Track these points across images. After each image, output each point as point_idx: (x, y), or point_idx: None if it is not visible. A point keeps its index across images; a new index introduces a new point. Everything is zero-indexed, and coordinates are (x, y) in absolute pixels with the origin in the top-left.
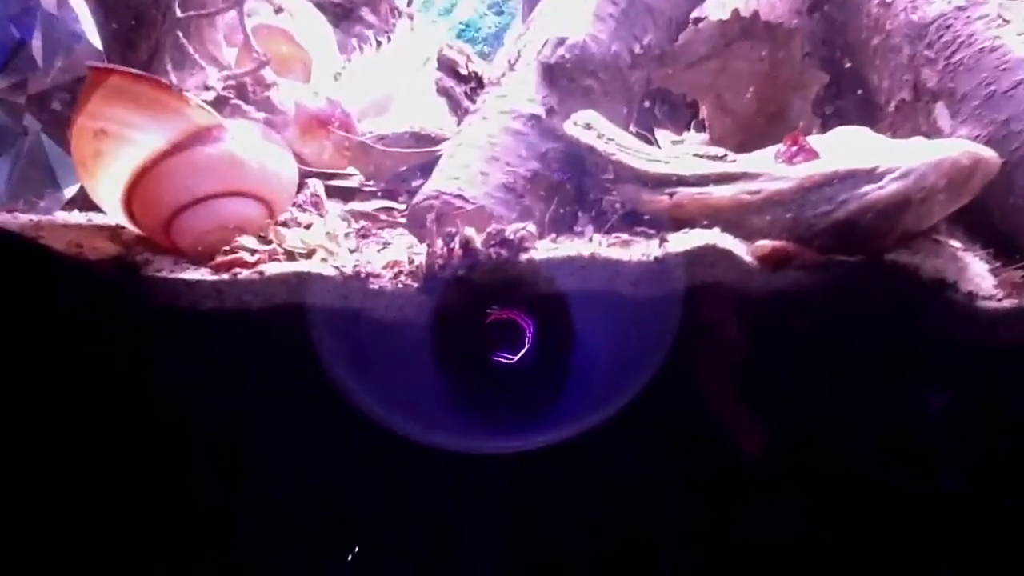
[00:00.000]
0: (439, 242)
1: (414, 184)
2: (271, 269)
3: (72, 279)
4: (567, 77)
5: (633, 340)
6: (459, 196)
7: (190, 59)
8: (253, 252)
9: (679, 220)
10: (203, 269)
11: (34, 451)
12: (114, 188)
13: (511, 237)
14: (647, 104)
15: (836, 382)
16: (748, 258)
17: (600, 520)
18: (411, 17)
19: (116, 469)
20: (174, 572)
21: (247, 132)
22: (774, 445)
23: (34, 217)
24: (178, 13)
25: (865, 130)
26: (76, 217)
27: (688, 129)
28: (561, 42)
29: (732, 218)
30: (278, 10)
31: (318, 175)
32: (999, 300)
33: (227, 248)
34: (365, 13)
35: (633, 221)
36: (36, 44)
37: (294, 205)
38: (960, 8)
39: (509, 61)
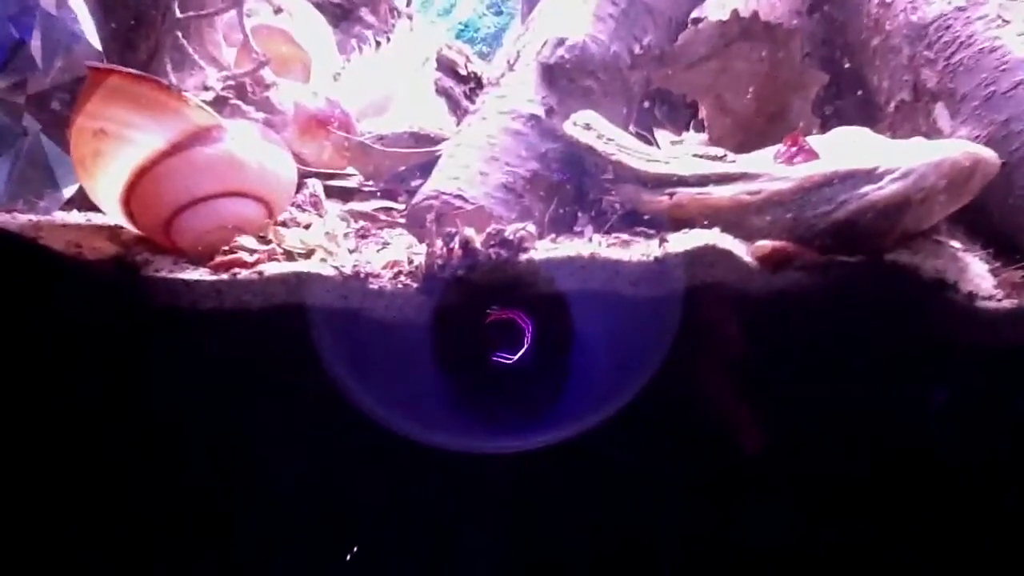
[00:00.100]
0: (439, 242)
1: (413, 184)
2: (270, 269)
3: (71, 279)
4: (567, 77)
5: (633, 340)
6: (459, 196)
7: (189, 59)
8: (252, 252)
9: (679, 220)
10: (202, 269)
11: (34, 451)
12: (113, 188)
13: (511, 237)
14: (647, 104)
15: (836, 382)
16: (748, 258)
17: (600, 520)
18: (410, 17)
19: (116, 468)
20: (174, 572)
21: (246, 132)
22: (774, 445)
23: (33, 217)
24: (177, 13)
25: (865, 130)
26: (75, 217)
27: (688, 129)
28: (561, 42)
29: (732, 218)
30: (277, 10)
31: (317, 175)
32: (999, 300)
33: (226, 248)
34: (364, 13)
35: (633, 221)
36: (35, 44)
37: (293, 205)
38: (960, 8)
39: (508, 61)
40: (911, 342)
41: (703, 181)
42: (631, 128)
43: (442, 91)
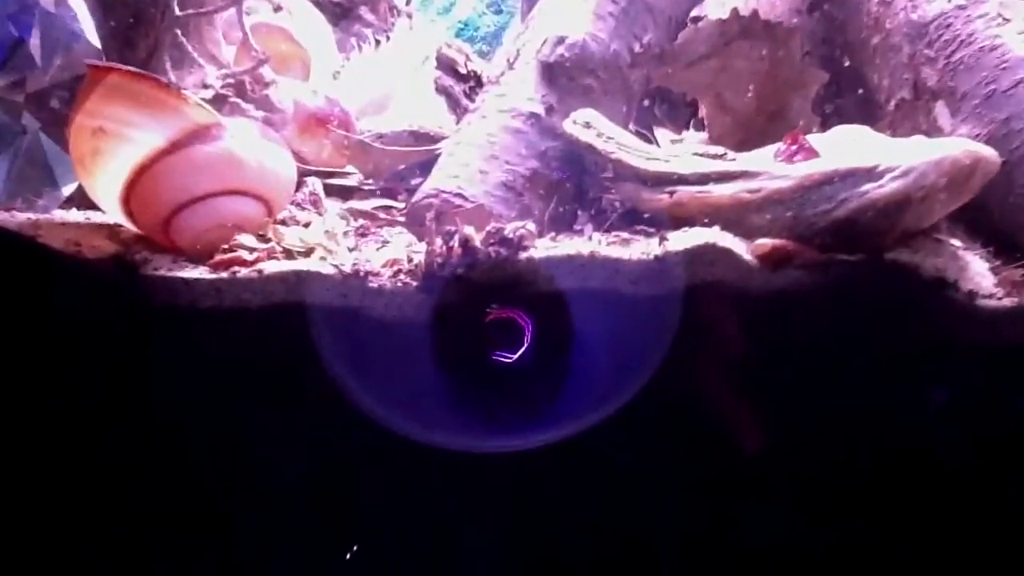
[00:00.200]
0: (438, 240)
1: (413, 183)
2: (270, 267)
3: (70, 278)
4: (566, 76)
5: (633, 339)
6: (458, 194)
7: (189, 57)
8: (252, 250)
9: (679, 219)
10: (202, 267)
11: (34, 450)
12: (113, 186)
13: (510, 235)
14: (647, 103)
15: (836, 381)
16: (748, 257)
17: (600, 519)
18: (410, 16)
19: (115, 467)
20: (174, 571)
21: (246, 130)
22: (774, 444)
23: (32, 215)
24: (177, 11)
25: (865, 129)
26: (74, 215)
27: (688, 128)
28: (561, 41)
29: (732, 217)
30: (277, 8)
31: (317, 173)
32: (999, 299)
33: (226, 246)
34: (364, 12)
35: (633, 220)
36: (35, 42)
37: (293, 203)
38: (960, 7)
39: (508, 60)
40: (911, 341)
41: (703, 179)
42: (631, 126)
43: (442, 89)
